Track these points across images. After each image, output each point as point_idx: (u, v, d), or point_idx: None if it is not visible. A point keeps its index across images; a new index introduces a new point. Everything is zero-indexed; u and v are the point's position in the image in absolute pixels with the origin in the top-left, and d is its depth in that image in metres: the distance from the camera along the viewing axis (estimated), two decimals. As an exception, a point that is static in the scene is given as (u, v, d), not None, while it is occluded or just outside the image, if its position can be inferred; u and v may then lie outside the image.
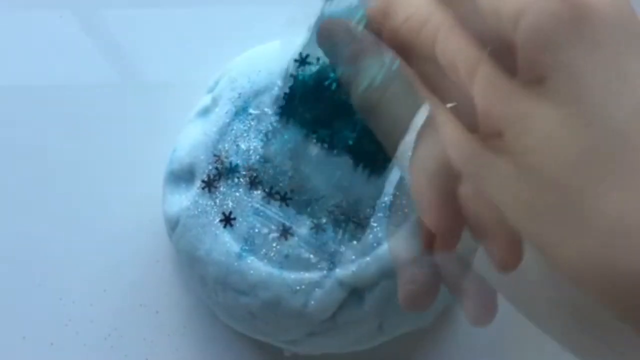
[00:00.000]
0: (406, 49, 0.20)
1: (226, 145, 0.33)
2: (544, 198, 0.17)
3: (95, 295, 0.39)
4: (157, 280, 0.39)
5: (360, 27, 0.22)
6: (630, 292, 0.16)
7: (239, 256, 0.32)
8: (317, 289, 0.31)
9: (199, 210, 0.33)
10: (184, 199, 0.34)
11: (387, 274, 0.31)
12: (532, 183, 0.17)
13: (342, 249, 0.31)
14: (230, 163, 0.33)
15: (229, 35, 0.42)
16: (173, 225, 0.34)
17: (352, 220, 0.31)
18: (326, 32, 0.22)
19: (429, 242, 0.22)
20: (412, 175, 0.22)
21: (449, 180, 0.21)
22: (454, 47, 0.19)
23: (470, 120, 0.19)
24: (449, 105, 0.20)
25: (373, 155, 0.24)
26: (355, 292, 0.32)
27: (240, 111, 0.33)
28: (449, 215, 0.21)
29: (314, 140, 0.24)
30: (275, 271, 0.31)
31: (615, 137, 0.16)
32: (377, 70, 0.21)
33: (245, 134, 0.33)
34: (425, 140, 0.21)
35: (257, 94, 0.33)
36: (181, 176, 0.34)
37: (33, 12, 0.44)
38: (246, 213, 0.32)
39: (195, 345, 0.38)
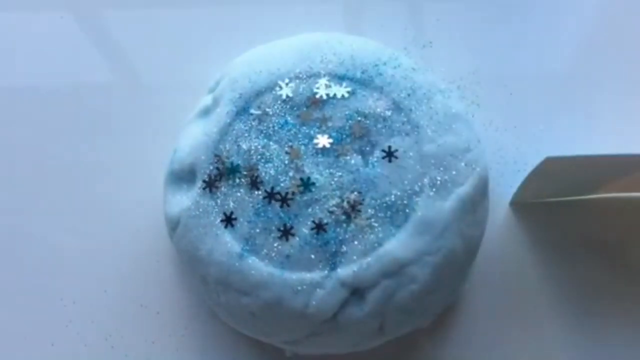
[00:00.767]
0: None
1: (227, 145, 0.33)
2: None
3: (95, 296, 0.39)
4: (158, 281, 0.39)
5: None
6: None
7: (240, 256, 0.32)
8: (318, 289, 0.31)
9: (200, 210, 0.33)
10: (185, 200, 0.34)
11: (388, 274, 0.31)
12: None
13: (344, 249, 0.31)
14: (232, 163, 0.33)
15: (229, 35, 0.42)
16: (174, 225, 0.34)
17: (353, 220, 0.32)
18: None
19: None
20: None
21: None
22: None
23: None
24: None
25: None
26: (356, 293, 0.32)
27: (241, 111, 0.33)
28: None
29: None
30: (276, 271, 0.31)
31: None
32: None
33: (246, 134, 0.33)
34: None
35: (258, 94, 0.33)
36: (182, 176, 0.34)
37: (33, 12, 0.44)
38: (247, 213, 0.32)
39: (196, 345, 0.38)
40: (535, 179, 0.36)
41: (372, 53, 0.34)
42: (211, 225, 0.32)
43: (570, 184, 0.37)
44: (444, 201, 0.32)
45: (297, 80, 0.33)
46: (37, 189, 0.40)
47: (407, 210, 0.32)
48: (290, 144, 0.32)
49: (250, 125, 0.33)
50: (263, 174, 0.32)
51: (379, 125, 0.33)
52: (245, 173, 0.33)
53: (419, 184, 0.32)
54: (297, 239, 0.32)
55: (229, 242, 0.32)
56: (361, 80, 0.33)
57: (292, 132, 0.33)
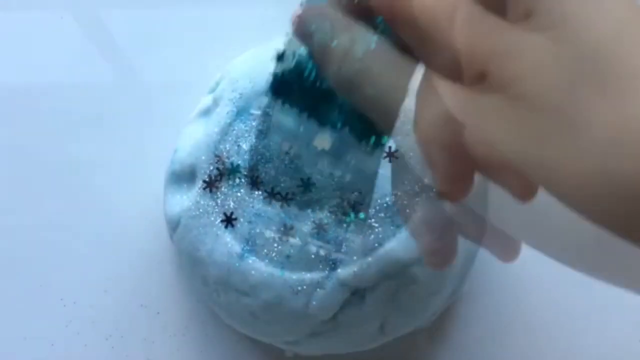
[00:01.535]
0: (389, 18, 0.21)
1: (227, 145, 0.33)
2: (536, 124, 0.17)
3: (96, 296, 0.39)
4: (158, 281, 0.39)
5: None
6: (630, 201, 0.16)
7: (241, 257, 0.32)
8: (318, 290, 0.31)
9: (200, 210, 0.33)
10: (185, 200, 0.34)
11: (389, 274, 0.31)
12: (523, 111, 0.17)
13: (344, 249, 0.31)
14: (232, 163, 0.33)
15: (230, 35, 0.42)
16: (174, 225, 0.34)
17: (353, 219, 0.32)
18: (299, 20, 0.23)
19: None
20: (419, 134, 0.23)
21: (454, 132, 0.21)
22: (430, 2, 0.19)
23: (456, 73, 0.19)
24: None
25: (364, 132, 0.25)
26: (356, 293, 0.32)
27: (242, 111, 0.33)
28: (458, 164, 0.21)
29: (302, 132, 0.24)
30: (276, 272, 0.31)
31: (600, 53, 0.16)
32: (349, 43, 0.21)
33: (246, 134, 0.33)
34: (424, 99, 0.22)
35: (259, 94, 0.33)
36: (182, 177, 0.34)
37: (33, 12, 0.44)
38: (247, 213, 0.32)
39: (197, 345, 0.38)
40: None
41: (372, 53, 0.34)
42: (211, 226, 0.32)
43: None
44: (444, 201, 0.32)
45: (298, 81, 0.33)
46: (37, 189, 0.40)
47: (408, 211, 0.32)
48: (290, 144, 0.32)
49: (250, 125, 0.33)
50: (263, 174, 0.32)
51: (380, 126, 0.33)
52: (245, 173, 0.33)
53: (419, 184, 0.32)
54: (298, 239, 0.32)
55: (229, 242, 0.32)
56: (361, 81, 0.33)
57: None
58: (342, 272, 0.31)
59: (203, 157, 0.33)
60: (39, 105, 0.42)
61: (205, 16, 0.43)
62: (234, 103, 0.33)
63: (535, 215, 0.21)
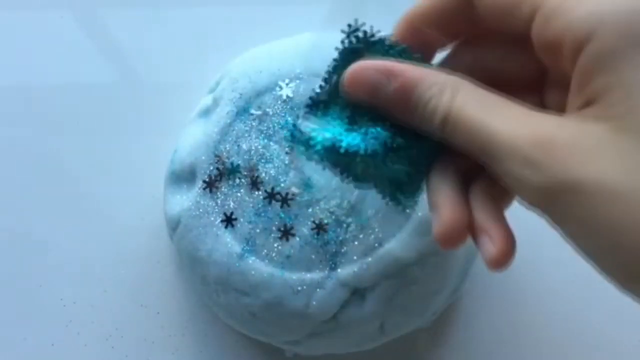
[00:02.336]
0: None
1: (227, 145, 0.33)
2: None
3: (96, 296, 0.39)
4: (158, 281, 0.39)
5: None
6: None
7: (241, 257, 0.32)
8: (318, 290, 0.31)
9: (200, 210, 0.33)
10: (185, 200, 0.34)
11: (389, 274, 0.31)
12: (633, 143, 0.18)
13: (344, 249, 0.31)
14: (232, 163, 0.33)
15: (229, 35, 0.42)
16: (174, 225, 0.34)
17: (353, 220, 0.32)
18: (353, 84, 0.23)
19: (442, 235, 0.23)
20: (431, 177, 0.24)
21: (460, 178, 0.23)
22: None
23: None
24: None
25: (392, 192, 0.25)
26: (356, 293, 0.32)
27: (242, 111, 0.33)
28: (459, 209, 0.22)
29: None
30: (276, 272, 0.31)
31: None
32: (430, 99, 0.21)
33: (246, 134, 0.33)
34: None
35: (259, 94, 0.33)
36: (182, 177, 0.34)
37: (33, 12, 0.44)
38: (247, 213, 0.32)
39: (196, 345, 0.38)
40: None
41: (372, 53, 0.34)
42: (211, 226, 0.32)
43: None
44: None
45: (298, 81, 0.33)
46: (37, 189, 0.40)
47: (408, 211, 0.32)
48: (290, 144, 0.32)
49: (250, 125, 0.33)
50: (263, 174, 0.32)
51: (380, 126, 0.33)
52: (245, 173, 0.33)
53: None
54: (298, 239, 0.32)
55: (229, 242, 0.32)
56: (361, 81, 0.33)
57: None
58: (342, 272, 0.31)
59: (203, 157, 0.33)
60: (39, 105, 0.42)
61: (206, 16, 0.43)
62: (234, 103, 0.33)
63: None
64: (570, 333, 0.38)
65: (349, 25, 0.24)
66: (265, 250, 0.32)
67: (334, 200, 0.32)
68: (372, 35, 0.24)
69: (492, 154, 0.20)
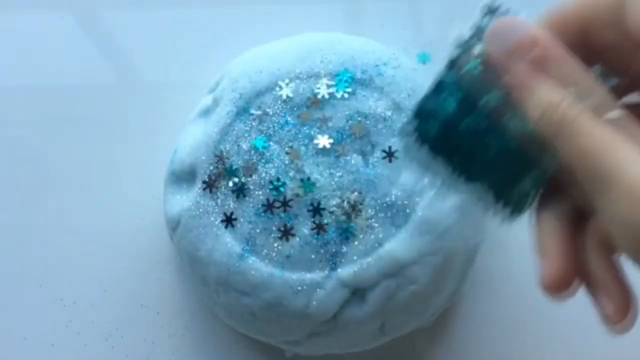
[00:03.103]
0: None
1: (227, 145, 0.33)
2: None
3: (96, 296, 0.39)
4: (158, 281, 0.39)
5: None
6: None
7: (241, 257, 0.32)
8: (318, 290, 0.31)
9: (200, 210, 0.33)
10: (185, 200, 0.34)
11: (389, 274, 0.31)
12: None
13: (344, 249, 0.31)
14: (232, 163, 0.33)
15: (229, 35, 0.42)
16: (174, 225, 0.34)
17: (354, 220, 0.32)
18: (499, 32, 0.21)
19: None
20: (540, 219, 0.22)
21: (573, 229, 0.21)
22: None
23: None
24: None
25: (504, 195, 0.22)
26: (356, 293, 0.32)
27: (242, 111, 0.33)
28: (571, 257, 0.20)
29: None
30: (276, 272, 0.31)
31: None
32: (560, 97, 0.18)
33: (246, 134, 0.33)
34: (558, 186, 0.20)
35: (259, 94, 0.33)
36: (182, 177, 0.34)
37: (33, 12, 0.44)
38: (247, 213, 0.32)
39: (196, 345, 0.38)
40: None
41: (372, 53, 0.34)
42: (211, 226, 0.32)
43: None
44: (444, 202, 0.32)
45: (298, 81, 0.33)
46: (37, 189, 0.40)
47: (408, 211, 0.32)
48: (290, 144, 0.32)
49: (250, 125, 0.33)
50: (263, 174, 0.32)
51: (379, 126, 0.33)
52: (245, 173, 0.32)
53: (420, 184, 0.32)
54: (298, 239, 0.32)
55: (229, 242, 0.32)
56: (361, 81, 0.33)
57: (292, 132, 0.33)
58: (342, 272, 0.31)
59: (203, 157, 0.33)
60: (39, 105, 0.42)
61: (206, 16, 0.43)
62: (234, 103, 0.33)
63: None
64: (571, 333, 0.38)
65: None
66: (265, 250, 0.32)
67: (334, 200, 0.32)
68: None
69: (605, 190, 0.17)
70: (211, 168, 0.33)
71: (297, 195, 0.32)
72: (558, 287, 0.20)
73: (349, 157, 0.32)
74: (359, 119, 0.33)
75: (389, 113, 0.33)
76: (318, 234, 0.31)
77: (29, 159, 0.41)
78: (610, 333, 0.20)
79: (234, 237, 0.32)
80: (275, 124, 0.33)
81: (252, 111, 0.33)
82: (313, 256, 0.31)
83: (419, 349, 0.38)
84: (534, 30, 0.20)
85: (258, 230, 0.32)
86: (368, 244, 0.31)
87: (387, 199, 0.32)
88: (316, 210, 0.31)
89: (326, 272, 0.31)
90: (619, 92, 0.21)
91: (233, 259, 0.32)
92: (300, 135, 0.33)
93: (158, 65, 0.42)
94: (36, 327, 0.38)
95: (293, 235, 0.32)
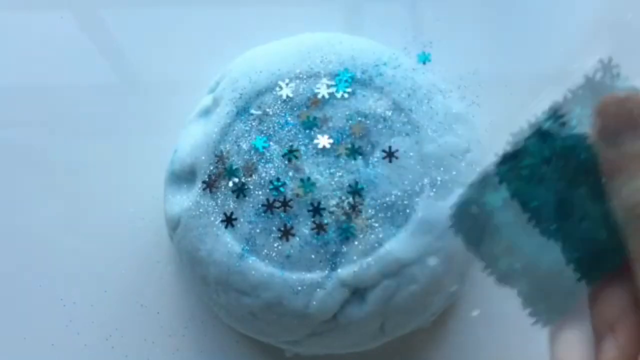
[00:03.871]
0: None
1: (227, 145, 0.33)
2: None
3: (96, 296, 0.39)
4: (158, 281, 0.39)
5: None
6: None
7: (241, 257, 0.32)
8: (318, 290, 0.31)
9: (200, 210, 0.33)
10: (185, 200, 0.34)
11: (389, 274, 0.31)
12: None
13: (344, 249, 0.31)
14: (232, 163, 0.33)
15: (229, 35, 0.42)
16: (174, 225, 0.34)
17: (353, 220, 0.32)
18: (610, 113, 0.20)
19: None
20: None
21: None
22: None
23: None
24: None
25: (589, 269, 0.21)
26: (356, 293, 0.32)
27: (242, 111, 0.33)
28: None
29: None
30: (276, 272, 0.31)
31: None
32: None
33: (246, 134, 0.33)
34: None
35: (259, 94, 0.33)
36: (182, 177, 0.34)
37: (33, 12, 0.44)
38: (247, 213, 0.32)
39: (196, 345, 0.38)
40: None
41: (372, 53, 0.34)
42: (211, 226, 0.32)
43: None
44: (444, 201, 0.32)
45: (298, 81, 0.33)
46: (37, 189, 0.40)
47: (408, 211, 0.32)
48: (290, 144, 0.32)
49: (250, 125, 0.33)
50: (263, 174, 0.32)
51: (380, 126, 0.33)
52: (245, 173, 0.32)
53: (420, 184, 0.32)
54: (298, 239, 0.32)
55: (229, 242, 0.32)
56: (361, 81, 0.33)
57: (292, 132, 0.33)
58: (342, 272, 0.31)
59: (203, 157, 0.33)
60: (39, 105, 0.42)
61: (206, 16, 0.43)
62: (234, 103, 0.33)
63: None
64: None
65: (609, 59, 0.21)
66: (265, 250, 0.32)
67: (334, 200, 0.32)
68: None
69: None
70: (211, 168, 0.33)
71: (297, 195, 0.32)
72: None
73: (349, 157, 0.32)
74: (359, 119, 0.33)
75: (389, 113, 0.33)
76: (318, 234, 0.31)
77: (29, 158, 0.41)
78: None
79: (234, 237, 0.32)
80: (275, 124, 0.33)
81: (252, 111, 0.33)
82: (313, 256, 0.31)
83: (419, 349, 0.38)
84: None
85: (258, 230, 0.32)
86: (368, 244, 0.31)
87: (387, 199, 0.32)
88: (316, 210, 0.31)
89: (326, 272, 0.31)
90: None
91: (233, 259, 0.32)
92: (300, 136, 0.33)
93: (158, 65, 0.42)
94: (36, 327, 0.38)
95: (293, 235, 0.32)
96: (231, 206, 0.32)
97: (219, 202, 0.32)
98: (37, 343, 0.38)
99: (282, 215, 0.32)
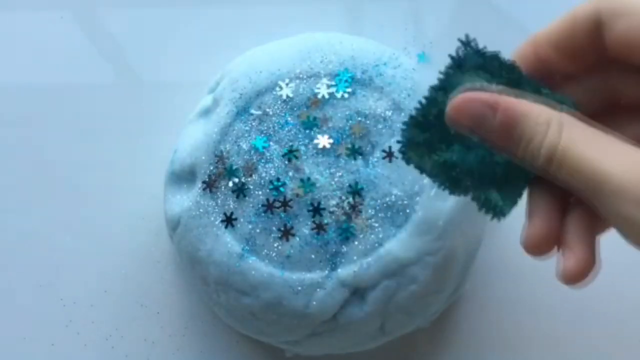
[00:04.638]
0: None
1: (227, 145, 0.33)
2: None
3: (96, 296, 0.39)
4: (158, 281, 0.39)
5: None
6: None
7: (241, 257, 0.32)
8: (318, 290, 0.31)
9: (200, 210, 0.33)
10: (185, 200, 0.34)
11: (389, 274, 0.31)
12: None
13: (344, 249, 0.31)
14: (232, 163, 0.33)
15: (229, 35, 0.42)
16: (174, 225, 0.34)
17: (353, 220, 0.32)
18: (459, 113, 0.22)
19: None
20: (535, 189, 0.23)
21: (561, 200, 0.23)
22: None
23: None
24: None
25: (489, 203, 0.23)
26: (356, 293, 0.32)
27: (242, 111, 0.33)
28: (554, 224, 0.22)
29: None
30: (276, 272, 0.31)
31: None
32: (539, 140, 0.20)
33: (246, 134, 0.33)
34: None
35: (259, 94, 0.33)
36: (182, 177, 0.34)
37: (33, 12, 0.44)
38: (247, 213, 0.32)
39: (197, 345, 0.38)
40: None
41: (372, 53, 0.34)
42: (211, 226, 0.32)
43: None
44: (444, 201, 0.32)
45: (298, 81, 0.33)
46: (37, 189, 0.40)
47: (408, 211, 0.32)
48: (290, 144, 0.32)
49: (250, 125, 0.33)
50: (263, 174, 0.32)
51: (380, 126, 0.33)
52: (245, 173, 0.32)
53: (419, 184, 0.32)
54: (298, 239, 0.32)
55: (229, 242, 0.32)
56: (361, 81, 0.33)
57: (292, 132, 0.33)
58: (342, 272, 0.31)
59: (203, 157, 0.33)
60: (39, 105, 0.42)
61: (206, 16, 0.43)
62: (234, 103, 0.33)
63: None
64: (571, 333, 0.38)
65: (466, 36, 0.23)
66: (265, 250, 0.32)
67: (334, 200, 0.32)
68: (486, 52, 0.23)
69: (600, 194, 0.19)
70: (211, 168, 0.33)
71: (297, 195, 0.32)
72: (536, 248, 0.22)
73: (348, 157, 0.32)
74: (359, 119, 0.33)
75: (389, 113, 0.33)
76: (318, 234, 0.31)
77: (29, 158, 0.41)
78: (562, 282, 0.22)
79: (234, 237, 0.32)
80: (275, 124, 0.33)
81: (252, 111, 0.33)
82: (313, 256, 0.31)
83: (419, 349, 0.38)
84: (489, 97, 0.22)
85: (258, 230, 0.32)
86: (368, 244, 0.31)
87: (387, 199, 0.32)
88: (316, 210, 0.31)
89: (326, 272, 0.31)
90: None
91: (233, 259, 0.32)
92: (300, 135, 0.33)
93: (158, 65, 0.42)
94: (36, 327, 0.38)
95: (293, 235, 0.32)
96: (231, 206, 0.32)
97: (219, 202, 0.32)
98: (37, 343, 0.38)
99: (282, 215, 0.32)
